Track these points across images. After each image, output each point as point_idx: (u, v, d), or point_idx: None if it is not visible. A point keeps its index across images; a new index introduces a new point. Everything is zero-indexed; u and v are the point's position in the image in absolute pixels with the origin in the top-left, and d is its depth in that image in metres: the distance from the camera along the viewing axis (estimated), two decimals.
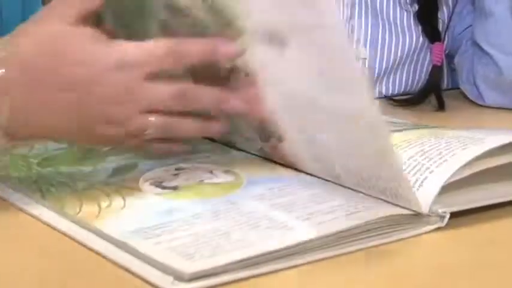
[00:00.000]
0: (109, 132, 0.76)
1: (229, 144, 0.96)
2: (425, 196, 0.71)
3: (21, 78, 0.75)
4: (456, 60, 1.30)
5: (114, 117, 0.75)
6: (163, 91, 0.76)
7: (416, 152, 0.79)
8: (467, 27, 1.27)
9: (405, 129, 0.94)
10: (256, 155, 0.92)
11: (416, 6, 1.26)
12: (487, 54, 1.19)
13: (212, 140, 0.97)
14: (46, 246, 0.67)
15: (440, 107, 1.19)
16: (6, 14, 1.28)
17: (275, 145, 0.87)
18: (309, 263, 0.61)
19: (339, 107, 0.73)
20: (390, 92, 1.26)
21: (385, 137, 0.71)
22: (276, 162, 0.89)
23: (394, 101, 1.21)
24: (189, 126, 0.80)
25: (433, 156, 0.77)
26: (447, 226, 0.70)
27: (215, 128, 0.84)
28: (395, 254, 0.66)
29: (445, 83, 1.32)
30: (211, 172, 0.83)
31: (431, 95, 1.22)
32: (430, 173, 0.74)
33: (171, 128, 0.78)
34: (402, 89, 1.26)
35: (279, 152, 0.87)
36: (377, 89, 1.25)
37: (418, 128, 0.95)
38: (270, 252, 0.59)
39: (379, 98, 1.23)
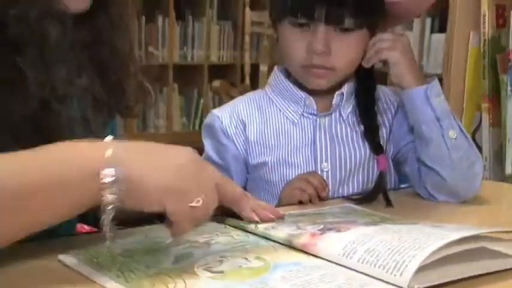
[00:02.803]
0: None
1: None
2: (405, 275, 0.73)
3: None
4: (407, 169, 1.29)
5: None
6: None
7: (397, 240, 0.81)
8: (408, 142, 1.26)
9: (387, 222, 0.96)
10: (277, 242, 0.90)
11: (362, 127, 1.26)
12: (432, 169, 1.19)
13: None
14: None
15: (388, 203, 1.17)
16: None
17: (315, 234, 0.88)
18: None
19: None
20: (350, 192, 1.25)
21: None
22: (292, 248, 0.87)
23: (352, 200, 1.18)
24: None
25: (411, 244, 0.79)
26: None
27: None
28: None
29: (393, 182, 1.31)
30: (246, 259, 0.82)
31: (380, 194, 1.20)
32: (408, 258, 0.76)
33: None
34: (358, 190, 1.25)
35: (311, 242, 0.86)
36: (339, 191, 1.25)
37: (397, 223, 0.97)
38: None
39: (340, 198, 1.22)
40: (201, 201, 0.79)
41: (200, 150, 1.31)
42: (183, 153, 0.83)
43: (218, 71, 4.87)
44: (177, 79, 4.76)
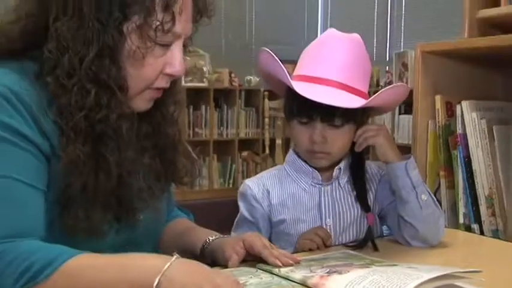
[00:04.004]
0: None
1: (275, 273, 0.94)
2: None
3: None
4: (388, 222, 1.27)
5: None
6: None
7: (384, 280, 0.81)
8: (390, 202, 1.24)
9: (375, 264, 0.95)
10: (295, 282, 0.88)
11: (355, 192, 1.24)
12: (408, 222, 1.18)
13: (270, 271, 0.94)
14: None
15: (375, 249, 1.15)
16: None
17: (323, 276, 0.87)
18: None
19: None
20: (347, 241, 1.22)
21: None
22: (306, 287, 0.86)
23: (349, 246, 1.18)
24: None
25: (395, 283, 0.79)
26: None
27: None
28: None
29: (378, 232, 1.28)
30: None
31: (369, 242, 1.18)
32: None
33: None
34: (353, 239, 1.22)
35: (320, 282, 0.85)
36: (339, 240, 1.22)
37: (383, 264, 0.96)
38: None
39: (339, 245, 1.21)
40: None
41: (233, 202, 1.31)
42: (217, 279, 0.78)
43: (245, 144, 4.90)
44: (215, 151, 4.80)
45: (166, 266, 0.74)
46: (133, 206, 0.89)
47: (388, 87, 1.18)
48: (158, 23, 0.85)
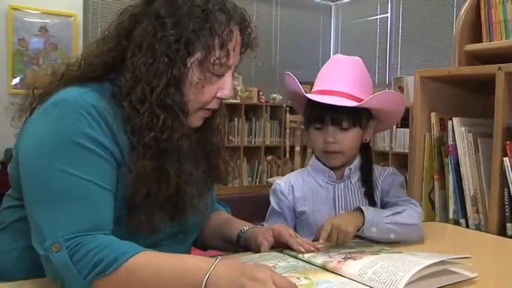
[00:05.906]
0: None
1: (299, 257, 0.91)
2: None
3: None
4: None
5: None
6: None
7: (391, 265, 0.79)
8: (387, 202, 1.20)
9: (383, 251, 0.93)
10: (317, 266, 0.86)
11: (363, 189, 1.21)
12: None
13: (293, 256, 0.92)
14: None
15: None
16: None
17: (340, 261, 0.85)
18: None
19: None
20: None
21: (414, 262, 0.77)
22: (326, 270, 0.84)
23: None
24: None
25: (400, 268, 0.77)
26: None
27: None
28: None
29: None
30: (298, 278, 0.78)
31: None
32: (400, 277, 0.74)
33: None
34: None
35: (338, 266, 0.83)
36: None
37: (390, 252, 0.94)
38: None
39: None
40: None
41: (259, 197, 1.29)
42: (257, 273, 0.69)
43: (270, 150, 4.89)
44: (245, 155, 4.79)
45: (212, 268, 0.69)
46: (185, 209, 0.88)
47: (380, 92, 1.16)
48: (216, 58, 0.85)
